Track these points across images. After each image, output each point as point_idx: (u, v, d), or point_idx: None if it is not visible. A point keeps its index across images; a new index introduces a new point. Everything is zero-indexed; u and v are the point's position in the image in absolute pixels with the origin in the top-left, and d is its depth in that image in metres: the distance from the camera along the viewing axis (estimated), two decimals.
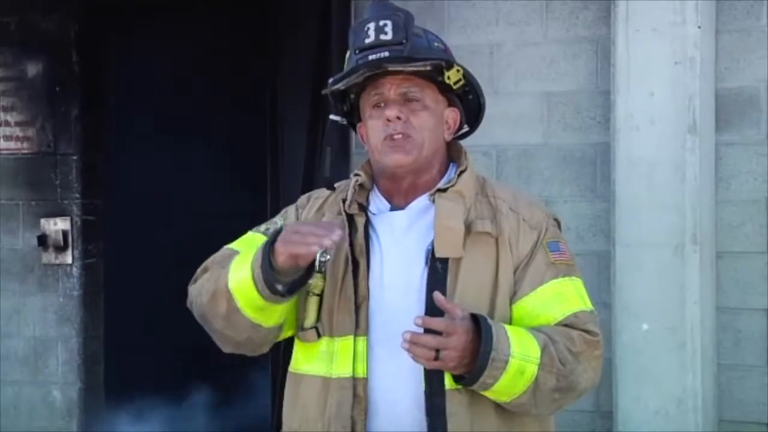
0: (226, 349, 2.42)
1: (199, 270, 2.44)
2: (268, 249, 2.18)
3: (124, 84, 5.52)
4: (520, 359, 2.17)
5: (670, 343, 4.06)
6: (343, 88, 2.34)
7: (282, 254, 2.15)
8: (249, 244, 2.39)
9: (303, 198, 2.49)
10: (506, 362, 2.15)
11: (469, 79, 2.39)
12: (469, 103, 2.43)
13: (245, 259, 2.25)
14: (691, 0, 4.05)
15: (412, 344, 2.10)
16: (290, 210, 2.48)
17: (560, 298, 2.29)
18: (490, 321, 2.18)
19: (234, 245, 2.44)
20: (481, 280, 2.27)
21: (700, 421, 4.04)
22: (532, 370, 2.18)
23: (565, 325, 2.26)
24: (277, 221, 2.45)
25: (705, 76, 4.10)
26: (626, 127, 4.14)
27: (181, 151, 6.02)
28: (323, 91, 2.38)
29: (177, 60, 5.94)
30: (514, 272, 2.29)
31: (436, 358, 2.11)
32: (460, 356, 2.13)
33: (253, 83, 5.85)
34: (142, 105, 5.72)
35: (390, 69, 2.29)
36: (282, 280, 2.20)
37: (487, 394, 2.20)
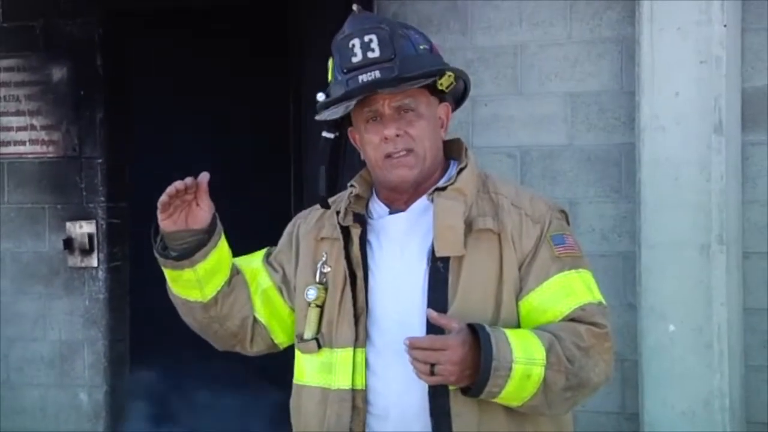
0: (215, 345, 2.55)
1: None
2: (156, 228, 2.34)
3: (148, 87, 5.53)
4: (525, 363, 2.14)
5: (697, 344, 4.04)
6: (338, 116, 2.30)
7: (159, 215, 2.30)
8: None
9: (306, 210, 2.49)
10: (510, 369, 2.12)
11: (459, 77, 2.35)
12: (456, 90, 2.40)
13: None
14: None
15: (412, 357, 2.11)
16: (291, 224, 2.50)
17: (566, 291, 2.25)
18: (488, 329, 2.15)
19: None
20: (484, 277, 2.25)
21: (728, 422, 4.02)
22: (538, 372, 2.15)
23: (572, 320, 2.23)
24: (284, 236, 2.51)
25: (731, 76, 4.07)
26: (651, 127, 4.12)
27: (205, 154, 6.03)
28: (316, 117, 2.34)
29: (200, 63, 5.95)
30: (519, 268, 2.27)
31: (433, 374, 2.10)
32: (459, 369, 2.12)
33: (277, 85, 5.85)
34: (166, 108, 5.74)
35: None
36: (173, 244, 2.32)
37: (497, 401, 2.18)
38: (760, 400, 4.15)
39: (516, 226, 2.29)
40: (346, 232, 2.33)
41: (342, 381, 2.29)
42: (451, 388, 2.20)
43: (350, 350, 2.28)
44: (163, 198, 2.26)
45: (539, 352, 2.16)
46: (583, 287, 2.28)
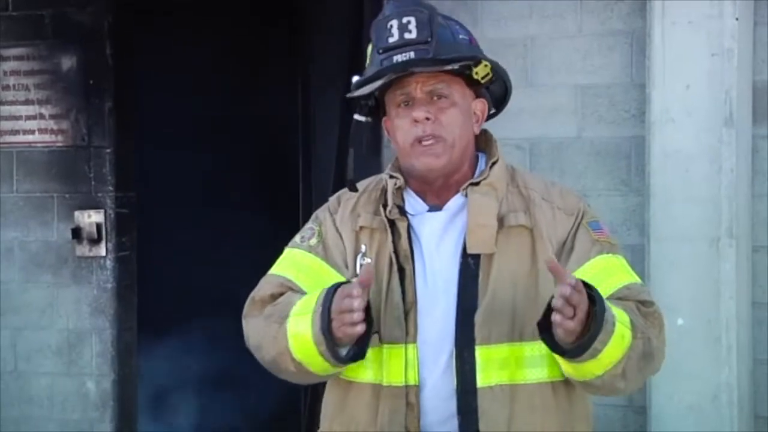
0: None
1: (247, 304, 2.39)
2: (327, 327, 2.15)
3: (157, 77, 5.53)
4: (620, 323, 2.12)
5: (705, 338, 4.03)
6: (368, 92, 2.29)
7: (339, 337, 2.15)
8: (294, 266, 2.36)
9: (333, 200, 2.44)
10: (614, 324, 2.10)
11: (496, 70, 2.34)
12: (496, 90, 2.39)
13: (304, 325, 2.20)
14: None
15: (568, 299, 2.02)
16: (324, 217, 2.42)
17: (609, 271, 2.26)
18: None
19: (279, 271, 2.39)
20: (514, 273, 2.25)
21: (735, 416, 4.01)
22: (628, 335, 2.14)
23: (619, 298, 2.22)
24: (313, 227, 2.40)
25: (742, 69, 4.06)
26: (662, 120, 4.11)
27: (213, 145, 6.04)
28: (347, 95, 2.32)
29: (210, 55, 5.95)
30: (558, 258, 2.25)
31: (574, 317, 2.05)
32: (585, 318, 2.07)
33: (286, 79, 5.85)
34: (175, 99, 5.74)
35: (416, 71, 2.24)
36: (347, 345, 2.19)
37: (586, 366, 2.13)
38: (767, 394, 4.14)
39: (549, 221, 2.30)
40: (391, 224, 2.31)
41: (394, 377, 2.26)
42: (479, 384, 2.19)
43: (402, 346, 2.25)
44: (358, 329, 2.13)
45: (623, 315, 2.15)
46: (623, 269, 2.31)
